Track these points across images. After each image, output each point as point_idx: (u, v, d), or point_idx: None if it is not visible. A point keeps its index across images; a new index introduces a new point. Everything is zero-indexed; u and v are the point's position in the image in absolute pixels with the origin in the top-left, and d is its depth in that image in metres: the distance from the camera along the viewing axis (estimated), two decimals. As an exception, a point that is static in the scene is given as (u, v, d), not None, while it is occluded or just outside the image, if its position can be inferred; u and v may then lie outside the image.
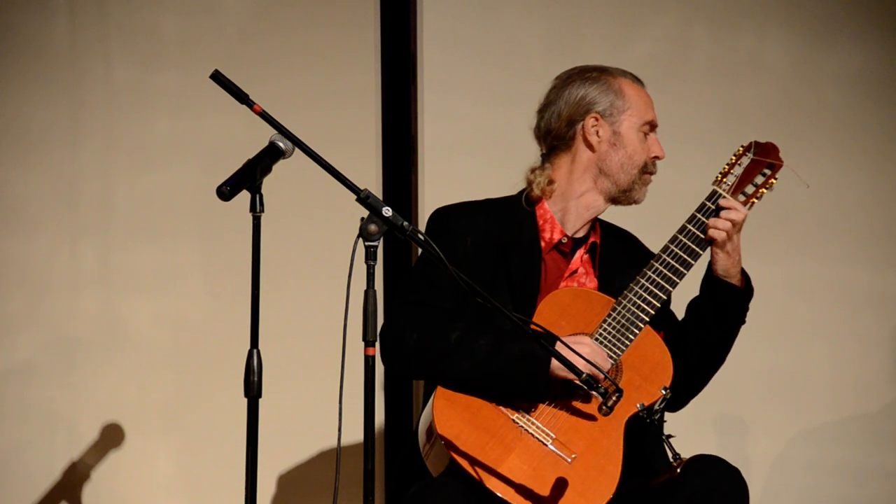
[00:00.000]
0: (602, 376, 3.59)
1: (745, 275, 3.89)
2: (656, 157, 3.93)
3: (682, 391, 3.88)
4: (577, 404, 3.70)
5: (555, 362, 3.62)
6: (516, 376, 3.65)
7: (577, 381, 3.55)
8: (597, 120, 3.88)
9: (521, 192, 3.97)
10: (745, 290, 3.88)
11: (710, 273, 3.86)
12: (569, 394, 3.71)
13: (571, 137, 3.91)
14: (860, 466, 5.25)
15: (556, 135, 3.93)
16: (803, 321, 5.23)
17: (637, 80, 3.95)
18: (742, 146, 3.91)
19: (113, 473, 4.87)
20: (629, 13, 5.21)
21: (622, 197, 3.92)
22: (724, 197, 3.84)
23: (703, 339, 3.86)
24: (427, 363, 3.75)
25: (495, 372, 3.67)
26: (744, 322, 3.91)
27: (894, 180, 5.31)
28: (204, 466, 4.92)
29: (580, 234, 3.94)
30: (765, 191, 3.88)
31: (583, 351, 3.62)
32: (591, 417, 3.69)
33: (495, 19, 5.14)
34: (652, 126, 3.92)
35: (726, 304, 3.85)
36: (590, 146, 3.90)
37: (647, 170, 3.92)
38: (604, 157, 3.90)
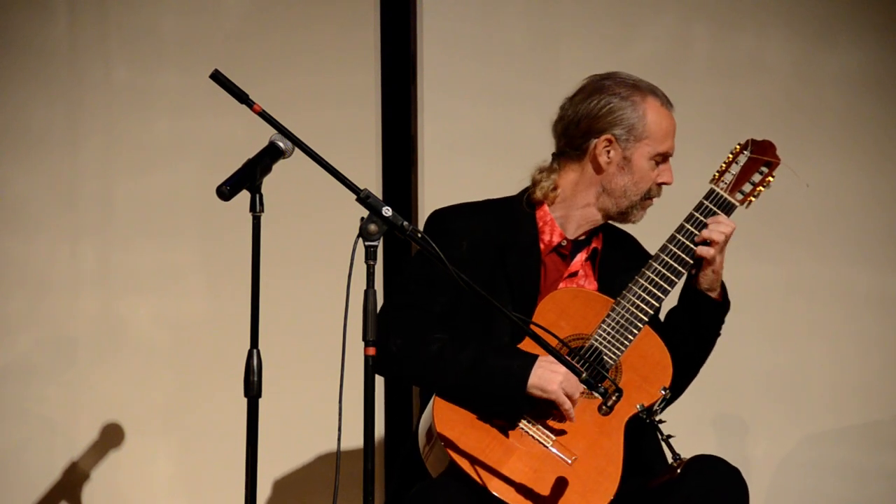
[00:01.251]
0: (570, 406, 3.62)
1: (723, 287, 3.89)
2: (664, 183, 3.91)
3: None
4: (577, 405, 3.70)
5: (532, 381, 3.63)
6: (493, 395, 3.65)
7: (552, 398, 3.62)
8: (610, 142, 3.85)
9: (522, 192, 3.96)
10: (723, 304, 3.88)
11: (691, 286, 3.86)
12: (568, 395, 3.71)
13: (583, 150, 3.89)
14: (861, 467, 5.25)
15: (569, 140, 3.90)
16: (803, 321, 5.23)
17: (667, 102, 3.88)
18: (739, 144, 3.90)
19: (113, 473, 4.87)
20: (629, 13, 5.20)
21: (619, 217, 3.91)
22: (721, 195, 3.83)
23: (680, 349, 3.85)
24: (408, 373, 3.77)
25: (473, 388, 3.67)
26: (719, 335, 3.91)
27: (894, 180, 5.31)
28: (204, 466, 4.92)
29: (581, 238, 3.93)
30: (762, 189, 3.88)
31: (559, 373, 3.62)
32: (591, 418, 3.68)
33: (495, 19, 5.13)
34: (665, 157, 3.90)
35: (704, 317, 3.85)
36: (598, 165, 3.88)
37: (650, 195, 3.90)
38: (610, 178, 3.87)
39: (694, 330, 3.86)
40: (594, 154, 3.87)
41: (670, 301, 3.91)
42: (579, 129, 3.87)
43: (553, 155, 3.95)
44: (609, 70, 3.95)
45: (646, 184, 3.87)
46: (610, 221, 3.94)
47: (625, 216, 3.90)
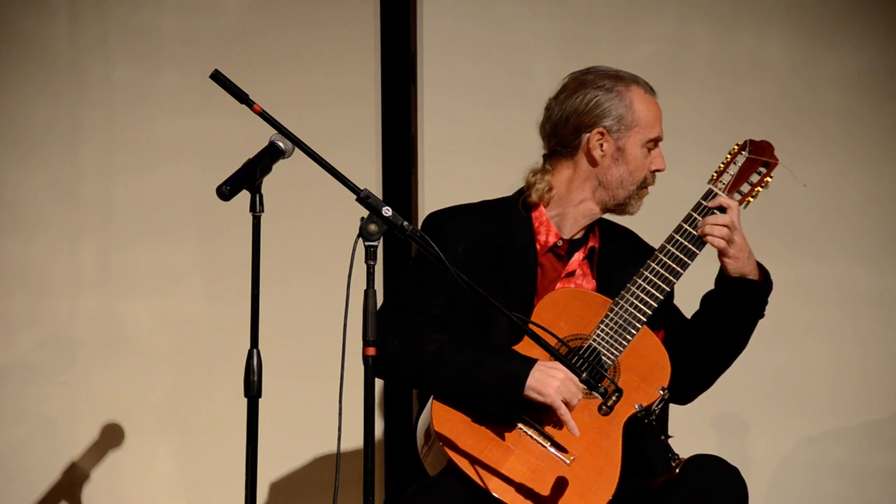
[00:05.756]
0: (566, 410, 3.62)
1: (761, 267, 3.88)
2: (657, 170, 3.92)
3: (695, 384, 3.90)
4: (575, 409, 3.69)
5: (529, 383, 3.63)
6: (490, 396, 3.65)
7: (548, 402, 3.61)
8: (602, 135, 3.86)
9: (518, 194, 3.96)
10: (762, 284, 3.86)
11: (723, 273, 3.86)
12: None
13: (575, 147, 3.90)
14: (860, 466, 5.25)
15: (560, 140, 3.91)
16: (803, 321, 5.23)
17: (650, 90, 3.90)
18: (737, 144, 3.91)
19: (113, 473, 4.87)
20: (629, 13, 5.21)
21: (617, 209, 3.92)
22: (718, 195, 3.84)
23: (719, 334, 3.86)
24: (405, 374, 3.76)
25: (470, 389, 3.67)
26: (762, 315, 3.89)
27: (894, 180, 5.31)
28: (204, 466, 4.92)
29: (577, 237, 3.93)
30: (760, 189, 3.88)
31: (556, 377, 3.62)
32: (589, 418, 3.68)
33: (495, 19, 5.13)
34: (657, 141, 3.91)
35: (743, 299, 3.84)
36: (592, 159, 3.88)
37: (646, 183, 3.91)
38: (605, 171, 3.88)
39: (733, 314, 3.84)
40: (587, 149, 3.88)
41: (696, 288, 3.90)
42: (568, 126, 3.88)
43: (544, 156, 3.96)
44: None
45: (641, 172, 3.89)
46: (608, 214, 3.94)
47: (622, 207, 3.91)
